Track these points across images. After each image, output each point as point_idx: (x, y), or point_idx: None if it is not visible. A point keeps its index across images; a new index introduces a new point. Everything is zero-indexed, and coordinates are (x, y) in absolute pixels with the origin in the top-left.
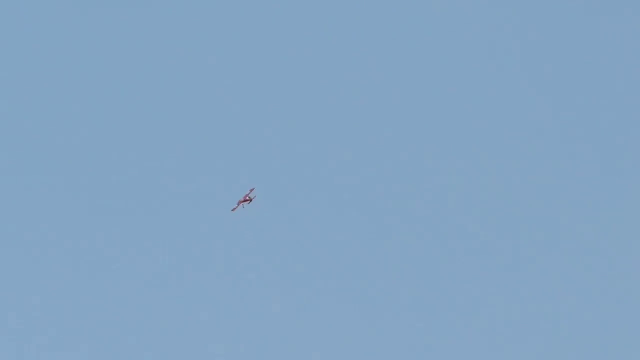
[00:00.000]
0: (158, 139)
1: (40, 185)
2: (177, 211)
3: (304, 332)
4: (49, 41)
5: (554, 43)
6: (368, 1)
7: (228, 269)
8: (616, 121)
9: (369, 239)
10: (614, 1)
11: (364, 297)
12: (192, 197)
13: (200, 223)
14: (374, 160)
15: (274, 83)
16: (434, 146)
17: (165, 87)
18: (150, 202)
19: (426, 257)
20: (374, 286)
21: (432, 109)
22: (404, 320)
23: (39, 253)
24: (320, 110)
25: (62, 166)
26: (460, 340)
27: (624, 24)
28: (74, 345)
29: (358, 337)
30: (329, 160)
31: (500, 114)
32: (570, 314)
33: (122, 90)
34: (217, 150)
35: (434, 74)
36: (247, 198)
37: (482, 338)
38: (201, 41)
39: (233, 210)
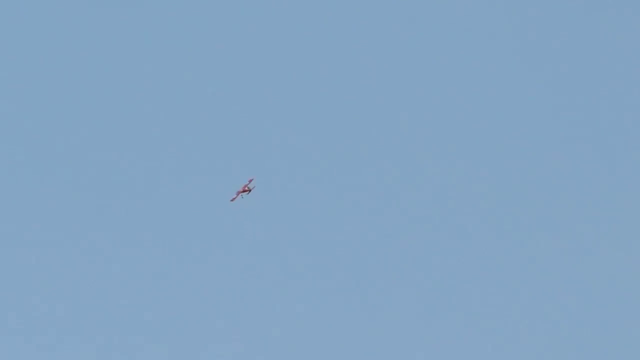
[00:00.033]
0: (157, 130)
1: (40, 184)
2: (176, 203)
3: (304, 330)
4: (49, 41)
5: (554, 43)
6: (368, 1)
7: (227, 261)
8: (616, 121)
9: (369, 234)
10: (614, 1)
11: (364, 294)
12: (190, 189)
13: (199, 214)
14: (374, 157)
15: (274, 77)
16: (434, 144)
17: (165, 82)
18: (149, 191)
19: (426, 256)
20: (374, 281)
21: (432, 108)
22: (404, 318)
23: (39, 252)
24: (321, 103)
25: (61, 165)
26: (461, 338)
27: (624, 24)
28: (75, 344)
29: (358, 334)
30: (328, 152)
31: (500, 113)
32: (570, 313)
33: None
34: (216, 141)
35: (434, 73)
36: (246, 188)
37: (482, 337)
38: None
39: (232, 201)
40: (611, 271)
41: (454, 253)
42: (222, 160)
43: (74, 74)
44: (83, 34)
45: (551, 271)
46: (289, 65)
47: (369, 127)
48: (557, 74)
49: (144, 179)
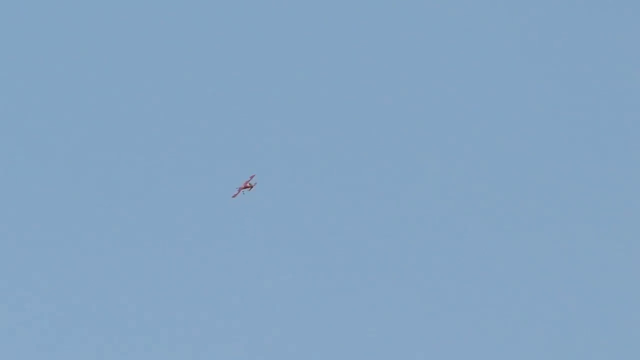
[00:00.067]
0: (158, 127)
1: (40, 184)
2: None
3: (303, 330)
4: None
5: (554, 43)
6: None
7: (228, 259)
8: (616, 121)
9: (368, 234)
10: (614, 1)
11: (363, 294)
12: (191, 188)
13: (200, 211)
14: (373, 157)
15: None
16: (433, 144)
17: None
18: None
19: (425, 257)
20: (374, 281)
21: (431, 108)
22: (404, 318)
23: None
24: (320, 103)
25: (61, 165)
26: (461, 339)
27: (624, 24)
28: (75, 345)
29: (358, 334)
30: (328, 152)
31: (500, 113)
32: (570, 313)
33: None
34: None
35: (433, 73)
36: (248, 185)
37: (482, 337)
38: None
39: (234, 197)
40: (611, 271)
41: (453, 253)
42: (223, 158)
43: (73, 73)
44: (83, 34)
45: (551, 271)
46: (288, 65)
47: (368, 127)
48: (557, 74)
49: (144, 179)
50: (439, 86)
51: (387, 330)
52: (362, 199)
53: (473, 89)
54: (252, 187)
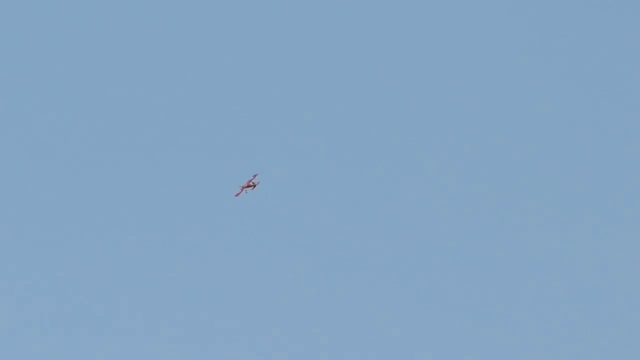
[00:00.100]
0: (160, 126)
1: (40, 184)
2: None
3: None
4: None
5: (554, 43)
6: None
7: (229, 257)
8: (617, 121)
9: (369, 234)
10: (614, 1)
11: (364, 293)
12: (193, 185)
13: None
14: (373, 156)
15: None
16: (434, 144)
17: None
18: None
19: (425, 256)
20: (374, 281)
21: (431, 108)
22: (404, 318)
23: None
24: (320, 103)
25: (61, 165)
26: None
27: (624, 24)
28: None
29: (358, 334)
30: (328, 152)
31: (500, 113)
32: (570, 313)
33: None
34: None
35: (434, 73)
36: (251, 183)
37: (482, 337)
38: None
39: (236, 195)
40: (611, 271)
41: (453, 253)
42: (225, 158)
43: (74, 74)
44: (83, 34)
45: (551, 271)
46: (290, 65)
47: (369, 127)
48: (557, 73)
49: (145, 178)
50: (439, 86)
51: (387, 330)
52: (363, 198)
53: (473, 88)
54: (254, 186)
